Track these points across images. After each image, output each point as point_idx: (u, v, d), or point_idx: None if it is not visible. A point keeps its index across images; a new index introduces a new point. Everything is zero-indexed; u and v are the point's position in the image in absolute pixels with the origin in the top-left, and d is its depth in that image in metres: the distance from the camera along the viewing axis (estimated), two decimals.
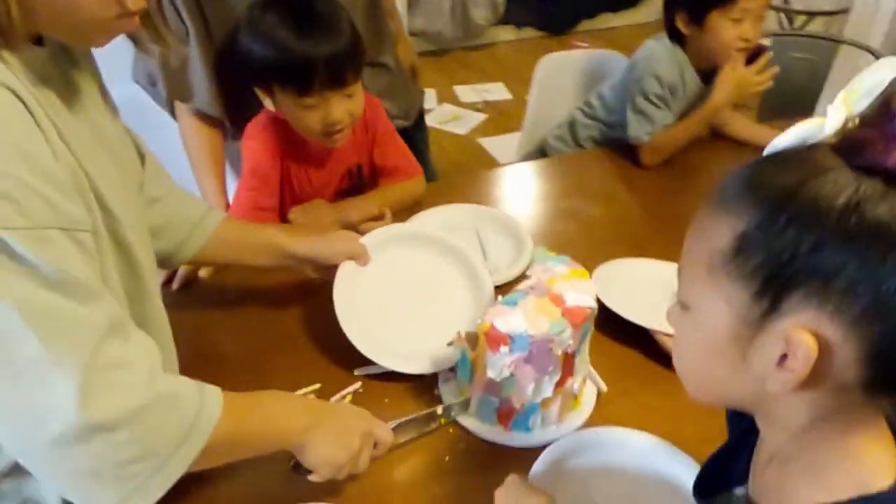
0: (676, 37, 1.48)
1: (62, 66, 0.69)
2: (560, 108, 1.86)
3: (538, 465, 0.82)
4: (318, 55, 1.05)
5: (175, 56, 0.70)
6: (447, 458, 0.88)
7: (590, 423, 0.92)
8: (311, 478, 0.77)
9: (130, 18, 0.63)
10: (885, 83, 0.45)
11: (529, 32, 4.47)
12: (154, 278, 0.78)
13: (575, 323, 0.83)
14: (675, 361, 0.58)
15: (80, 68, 0.72)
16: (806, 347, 0.44)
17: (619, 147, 1.56)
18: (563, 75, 1.89)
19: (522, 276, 1.13)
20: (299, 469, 0.78)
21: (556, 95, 1.88)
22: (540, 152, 1.78)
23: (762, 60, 1.42)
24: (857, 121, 0.47)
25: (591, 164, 1.57)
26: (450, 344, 0.92)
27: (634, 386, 0.97)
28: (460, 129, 3.39)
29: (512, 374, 0.84)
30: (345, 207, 1.24)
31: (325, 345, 1.02)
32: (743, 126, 1.58)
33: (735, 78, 1.41)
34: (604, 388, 0.95)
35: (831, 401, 0.48)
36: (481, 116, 3.53)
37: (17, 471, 0.72)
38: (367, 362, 0.95)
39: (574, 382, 0.89)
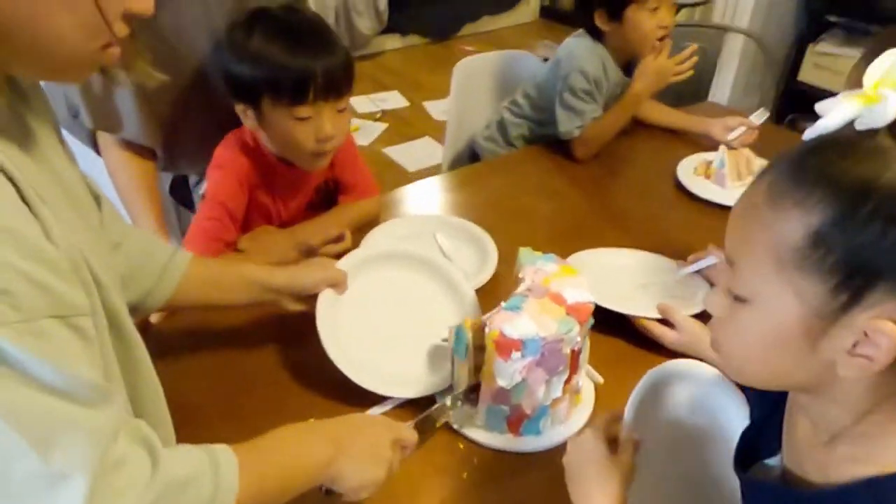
0: (595, 34, 1.53)
1: (17, 109, 0.60)
2: (479, 109, 1.89)
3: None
4: (316, 66, 1.04)
5: (151, 82, 0.64)
6: (465, 474, 0.86)
7: (593, 416, 0.93)
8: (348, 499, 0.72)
9: (115, 48, 0.56)
10: None
11: (415, 39, 4.50)
12: (139, 340, 0.70)
13: (581, 320, 0.83)
14: (724, 349, 0.59)
15: (33, 109, 0.63)
16: (891, 338, 0.46)
17: (552, 143, 1.60)
18: (478, 78, 1.90)
19: (493, 279, 1.14)
20: (331, 493, 0.72)
21: (474, 97, 1.89)
22: (471, 154, 1.78)
23: (686, 52, 1.49)
24: None
25: (528, 162, 1.59)
26: (445, 340, 0.91)
27: (626, 373, 0.97)
28: (363, 141, 3.34)
29: (524, 380, 0.83)
30: (302, 232, 1.19)
31: (311, 377, 0.96)
32: (661, 113, 1.66)
33: (655, 67, 1.47)
34: (600, 380, 0.96)
35: (885, 364, 0.50)
36: (381, 126, 3.51)
37: None
38: (359, 390, 0.91)
39: (578, 379, 0.90)
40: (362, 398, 0.91)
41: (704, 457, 0.78)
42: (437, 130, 3.44)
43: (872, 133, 0.49)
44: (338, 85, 1.09)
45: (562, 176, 1.51)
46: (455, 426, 0.89)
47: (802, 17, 3.08)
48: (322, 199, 1.31)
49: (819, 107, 0.54)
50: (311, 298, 0.95)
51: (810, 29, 3.06)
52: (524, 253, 0.94)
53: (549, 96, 1.58)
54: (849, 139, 0.49)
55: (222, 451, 0.61)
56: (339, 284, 0.97)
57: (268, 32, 1.07)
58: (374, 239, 1.21)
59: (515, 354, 0.81)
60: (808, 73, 3.06)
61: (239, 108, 1.12)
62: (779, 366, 0.54)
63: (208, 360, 1.00)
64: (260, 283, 0.93)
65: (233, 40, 1.08)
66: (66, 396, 0.50)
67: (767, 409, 0.67)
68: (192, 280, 0.87)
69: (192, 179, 1.42)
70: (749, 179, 1.45)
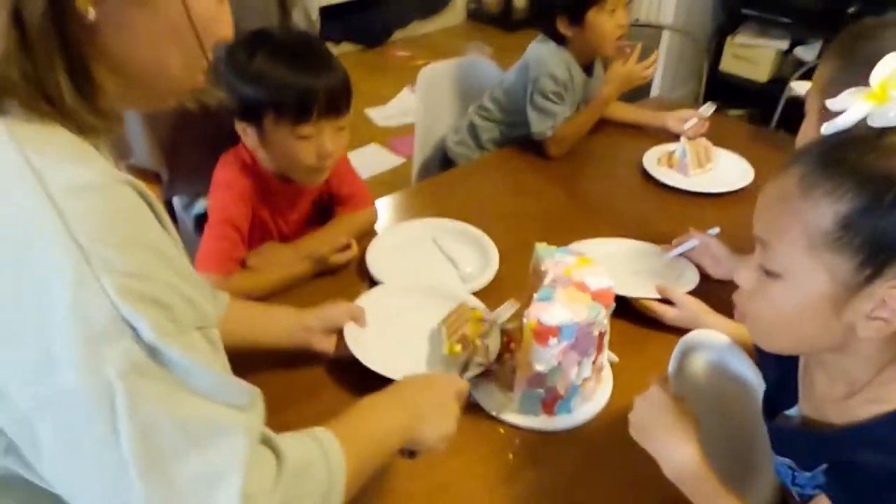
0: (557, 38, 1.62)
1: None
2: (444, 115, 1.96)
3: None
4: (318, 86, 1.08)
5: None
6: (510, 456, 0.92)
7: (614, 392, 1.01)
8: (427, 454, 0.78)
9: (203, 74, 0.61)
10: None
11: (348, 47, 4.52)
12: None
13: (606, 304, 0.92)
14: (752, 317, 0.68)
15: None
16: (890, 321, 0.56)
17: (523, 143, 1.68)
18: (439, 85, 1.97)
19: (498, 277, 1.21)
20: (413, 454, 0.78)
21: (437, 104, 1.96)
22: (442, 159, 1.84)
23: (653, 56, 1.61)
24: None
25: (503, 163, 1.67)
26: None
27: (635, 352, 1.08)
28: None
29: (559, 363, 0.91)
30: (305, 245, 1.22)
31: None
32: (622, 110, 1.78)
33: (623, 72, 1.59)
34: (616, 359, 1.05)
35: None
36: None
37: None
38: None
39: (602, 359, 0.98)
40: None
41: (729, 412, 0.87)
42: (382, 136, 3.48)
43: (888, 131, 0.58)
44: (338, 104, 1.13)
45: (538, 174, 1.60)
46: (493, 413, 0.96)
47: (720, 11, 3.30)
48: (318, 212, 1.34)
49: (830, 103, 0.64)
50: (339, 337, 1.01)
51: (728, 22, 3.28)
52: (540, 248, 1.02)
53: (517, 100, 1.66)
54: (868, 137, 0.59)
55: (323, 433, 0.64)
56: (359, 318, 1.03)
57: (271, 53, 1.10)
58: (379, 245, 1.26)
59: (552, 340, 0.88)
60: (728, 64, 3.28)
61: (239, 127, 1.15)
62: (805, 331, 0.64)
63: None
64: (299, 322, 0.98)
65: (235, 61, 1.10)
66: (223, 401, 0.54)
67: (782, 369, 0.77)
68: (235, 321, 0.89)
69: (182, 201, 1.43)
70: (709, 166, 1.59)
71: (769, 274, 0.63)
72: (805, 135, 0.99)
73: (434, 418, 0.77)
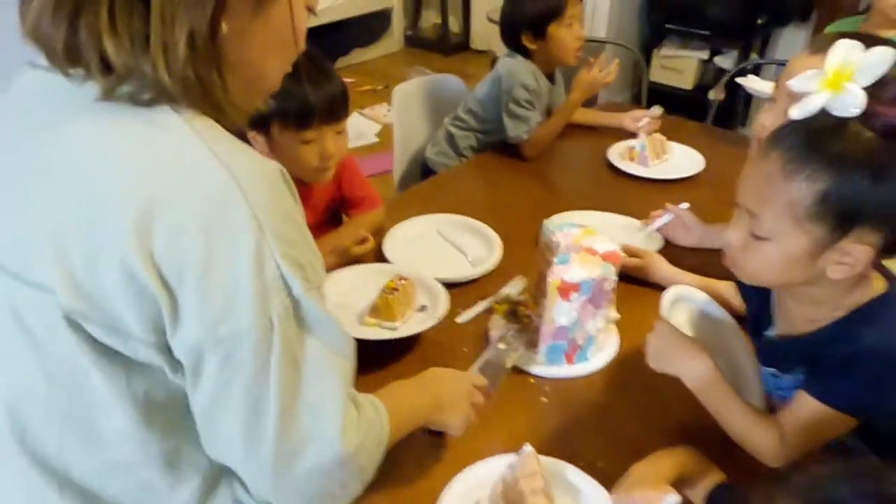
0: (522, 52, 1.82)
1: None
2: (419, 128, 2.11)
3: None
4: (319, 96, 1.20)
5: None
6: (544, 399, 1.08)
7: (621, 342, 1.18)
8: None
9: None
10: (887, 63, 0.72)
11: None
12: None
13: (614, 263, 1.09)
14: (741, 266, 0.85)
15: None
16: (866, 255, 0.75)
17: (498, 148, 1.86)
18: (413, 101, 2.13)
19: (503, 260, 1.37)
20: (434, 433, 0.93)
21: (412, 117, 2.11)
22: (423, 169, 2.00)
23: (614, 64, 1.82)
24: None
25: (484, 166, 1.84)
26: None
27: (628, 307, 1.25)
28: None
29: (577, 316, 1.07)
30: (332, 238, 1.35)
31: None
32: (584, 113, 1.98)
33: (588, 79, 1.79)
34: (617, 316, 1.22)
35: (861, 271, 0.78)
36: None
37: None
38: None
39: (611, 312, 1.15)
40: None
41: (718, 347, 1.05)
42: None
43: (849, 119, 0.73)
44: (337, 111, 1.26)
45: (517, 173, 1.78)
46: (523, 367, 1.11)
47: (646, 26, 3.61)
48: (331, 215, 1.47)
49: (792, 84, 0.80)
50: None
51: (653, 36, 3.60)
52: (548, 224, 1.17)
53: (491, 109, 1.85)
54: (836, 127, 0.74)
55: (379, 402, 0.77)
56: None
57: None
58: (392, 239, 1.41)
59: (574, 295, 1.05)
60: (657, 74, 3.59)
61: (250, 136, 1.24)
62: (785, 275, 0.82)
63: None
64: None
65: None
66: (335, 348, 0.67)
67: (759, 299, 0.96)
68: None
69: None
70: (665, 157, 1.80)
71: (757, 237, 0.80)
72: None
73: (448, 408, 0.90)
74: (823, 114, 0.75)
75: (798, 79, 0.79)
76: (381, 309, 1.15)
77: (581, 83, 1.81)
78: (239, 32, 0.63)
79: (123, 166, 0.59)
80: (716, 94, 2.59)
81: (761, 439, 0.87)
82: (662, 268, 1.29)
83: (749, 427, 0.88)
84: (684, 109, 3.59)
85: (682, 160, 1.79)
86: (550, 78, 1.88)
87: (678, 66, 3.54)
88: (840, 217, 0.74)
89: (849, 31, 1.88)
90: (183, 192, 0.59)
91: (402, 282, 1.18)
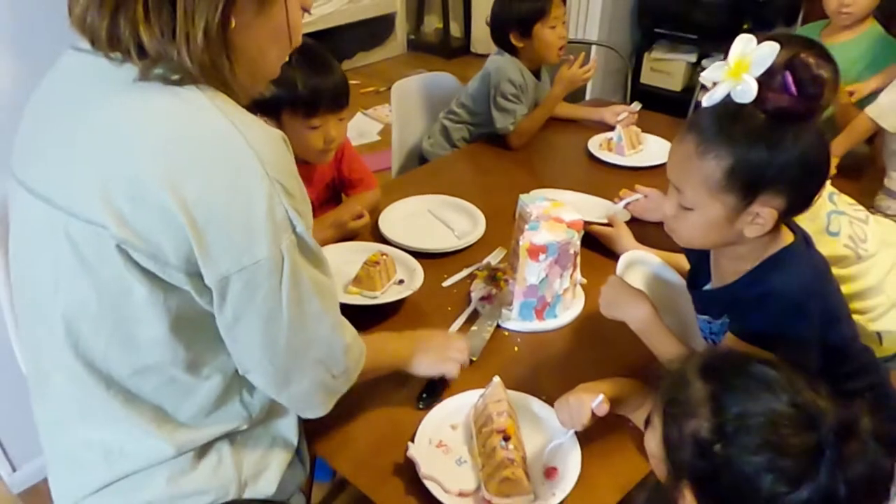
0: (510, 50, 1.98)
1: None
2: (414, 122, 2.27)
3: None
4: (325, 87, 1.37)
5: None
6: (515, 349, 1.23)
7: (586, 303, 1.34)
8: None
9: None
10: (773, 56, 0.83)
11: None
12: None
13: (578, 229, 1.24)
14: (678, 232, 1.00)
15: None
16: (771, 216, 0.90)
17: (487, 140, 2.03)
18: (410, 96, 2.29)
19: (486, 233, 1.53)
20: (429, 402, 1.09)
21: (409, 112, 2.27)
22: (420, 160, 2.16)
23: (591, 63, 1.98)
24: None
25: (475, 155, 2.00)
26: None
27: (593, 274, 1.40)
28: None
29: (546, 276, 1.23)
30: (331, 214, 1.51)
31: None
32: (567, 108, 2.14)
33: (569, 75, 1.96)
34: (584, 280, 1.37)
35: (771, 229, 0.94)
36: None
37: (268, 416, 0.93)
38: None
39: (577, 275, 1.31)
40: None
41: (666, 304, 1.20)
42: None
43: (746, 106, 0.86)
44: (339, 101, 1.42)
45: (504, 161, 1.94)
46: (499, 323, 1.27)
47: (637, 30, 3.77)
48: (331, 194, 1.64)
49: (703, 77, 0.92)
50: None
51: (644, 40, 3.76)
52: (524, 197, 1.33)
53: (481, 103, 2.01)
54: (735, 112, 0.86)
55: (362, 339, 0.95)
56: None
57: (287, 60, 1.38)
58: (387, 216, 1.57)
59: (542, 256, 1.21)
60: (648, 76, 3.75)
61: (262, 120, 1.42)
62: (711, 237, 0.98)
63: None
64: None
65: None
66: (328, 275, 0.84)
67: (699, 258, 1.11)
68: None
69: None
70: (640, 147, 1.96)
71: (684, 208, 0.96)
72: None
73: (425, 361, 1.10)
74: (727, 100, 0.88)
75: (708, 70, 0.91)
76: (363, 279, 1.30)
77: (562, 79, 1.97)
78: (245, 26, 0.75)
79: (158, 130, 0.72)
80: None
81: None
82: (627, 241, 1.45)
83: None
84: (673, 110, 3.77)
85: (655, 150, 1.94)
86: (537, 74, 2.04)
87: (667, 68, 3.70)
88: (746, 187, 0.89)
89: (812, 32, 2.06)
90: (207, 152, 0.72)
91: (384, 257, 1.34)
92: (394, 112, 2.23)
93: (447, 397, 1.10)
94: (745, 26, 3.53)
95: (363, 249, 1.41)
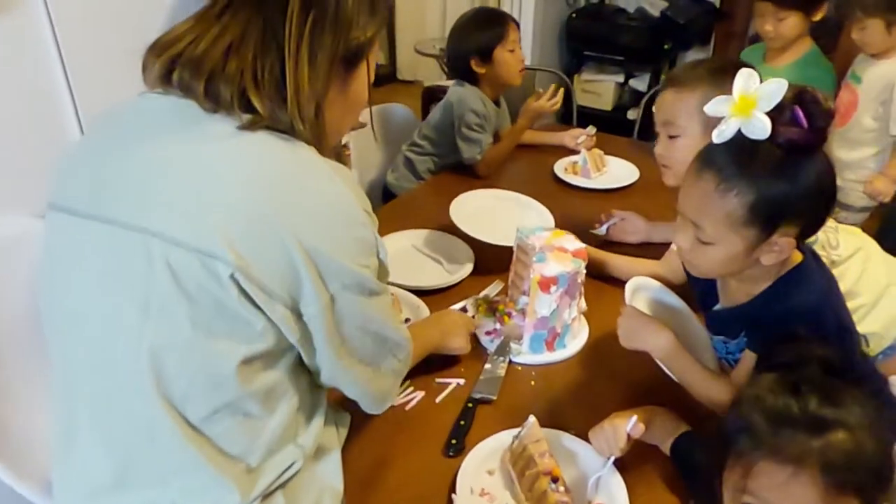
0: (470, 79, 1.99)
1: None
2: (373, 154, 2.25)
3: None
4: None
5: None
6: (532, 382, 1.22)
7: (591, 329, 1.34)
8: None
9: None
10: (782, 92, 0.87)
11: None
12: None
13: (583, 258, 1.25)
14: (693, 264, 1.02)
15: None
16: (789, 244, 0.93)
17: (453, 169, 2.03)
18: (365, 130, 2.25)
19: (476, 266, 1.52)
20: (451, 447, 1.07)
21: (366, 146, 2.24)
22: (385, 194, 2.12)
23: (560, 93, 2.01)
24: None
25: (443, 186, 1.98)
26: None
27: (595, 299, 1.41)
28: None
29: (557, 306, 1.22)
30: None
31: None
32: (530, 134, 2.16)
33: (536, 107, 1.99)
34: (585, 307, 1.38)
35: (787, 255, 0.97)
36: None
37: (316, 457, 0.92)
38: None
39: (582, 302, 1.31)
40: None
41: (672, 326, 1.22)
42: None
43: (763, 142, 0.88)
44: None
45: (474, 189, 1.92)
46: (511, 359, 1.25)
47: (566, 53, 3.89)
48: None
49: (707, 108, 0.94)
50: None
51: (573, 62, 3.88)
52: (521, 230, 1.33)
53: (446, 134, 2.01)
54: (753, 149, 0.88)
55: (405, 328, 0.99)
56: None
57: None
58: None
59: (553, 287, 1.20)
60: (579, 97, 3.85)
61: None
62: (729, 268, 1.00)
63: None
64: None
65: None
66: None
67: (707, 280, 1.13)
68: None
69: None
70: (604, 169, 2.00)
71: (703, 243, 0.97)
72: (688, 148, 1.18)
73: (452, 335, 1.23)
74: (740, 136, 0.90)
75: (712, 104, 0.93)
76: None
77: (529, 110, 2.00)
78: (332, 101, 0.85)
79: (273, 169, 0.77)
80: (635, 114, 2.85)
81: (718, 395, 1.04)
82: (615, 262, 1.47)
83: (707, 386, 1.06)
84: (607, 129, 3.91)
85: (619, 171, 2.00)
86: (496, 103, 2.06)
87: (597, 89, 3.83)
88: (768, 221, 0.92)
89: (755, 54, 2.17)
90: (320, 192, 0.79)
91: (391, 297, 1.30)
92: (351, 147, 2.19)
93: (476, 442, 1.07)
94: (666, 47, 3.72)
95: None
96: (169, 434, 0.76)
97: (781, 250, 0.94)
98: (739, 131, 0.89)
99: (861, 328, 1.35)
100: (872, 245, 1.42)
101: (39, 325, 0.86)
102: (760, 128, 0.87)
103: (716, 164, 0.93)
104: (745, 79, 0.90)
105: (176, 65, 0.78)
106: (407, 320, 1.33)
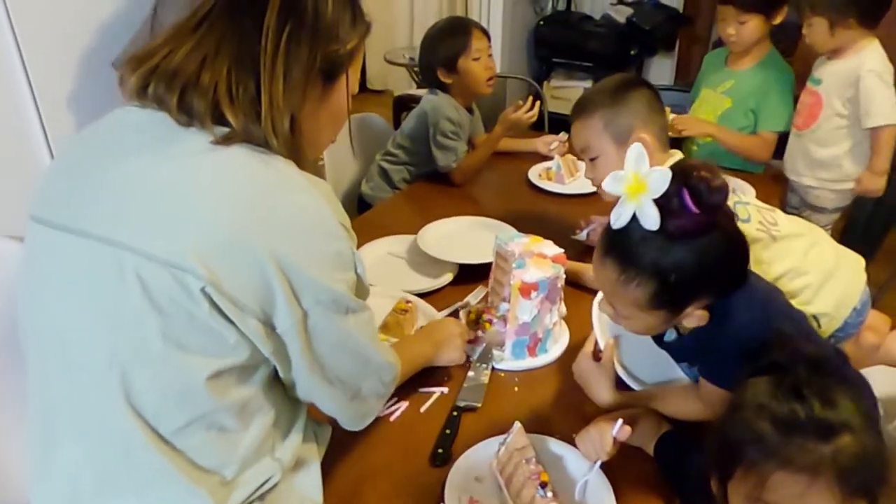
0: (440, 87, 2.00)
1: None
2: (348, 164, 2.24)
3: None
4: None
5: None
6: (515, 388, 1.22)
7: (571, 334, 1.35)
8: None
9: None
10: (666, 182, 0.82)
11: None
12: None
13: (562, 263, 1.26)
14: (626, 327, 1.01)
15: None
16: (702, 315, 0.94)
17: (428, 178, 2.02)
18: (340, 139, 2.24)
19: (454, 279, 1.52)
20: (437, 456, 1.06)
21: (340, 156, 2.23)
22: (360, 205, 2.11)
23: (537, 105, 2.01)
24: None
25: (420, 195, 1.99)
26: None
27: (576, 304, 1.42)
28: None
29: (538, 312, 1.23)
30: None
31: None
32: (504, 141, 2.17)
33: (514, 118, 1.98)
34: (565, 311, 1.39)
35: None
36: None
37: (294, 470, 0.91)
38: None
39: (562, 307, 1.32)
40: None
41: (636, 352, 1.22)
42: None
43: (657, 232, 0.84)
44: None
45: (450, 198, 1.94)
46: (494, 365, 1.25)
47: (535, 60, 3.93)
48: None
49: (605, 185, 0.90)
50: None
51: (542, 69, 3.92)
52: (501, 236, 1.33)
53: (420, 143, 2.01)
54: (647, 237, 0.86)
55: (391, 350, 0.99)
56: None
57: None
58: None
59: (534, 293, 1.21)
60: (550, 104, 3.88)
61: None
62: (656, 331, 1.03)
63: None
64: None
65: None
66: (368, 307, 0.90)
67: (659, 338, 1.14)
68: None
69: None
70: (578, 175, 2.02)
71: (623, 318, 0.98)
72: (610, 165, 1.25)
73: (446, 350, 1.21)
74: (635, 222, 0.86)
75: (608, 183, 0.89)
76: (392, 326, 1.30)
77: (506, 120, 2.01)
78: (310, 114, 0.85)
79: (246, 185, 0.76)
80: None
81: (691, 411, 1.06)
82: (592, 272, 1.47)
83: (677, 408, 1.08)
84: None
85: None
86: (469, 110, 2.07)
87: (567, 95, 3.86)
88: (674, 304, 0.93)
89: (718, 58, 2.21)
90: (294, 206, 0.78)
91: (409, 304, 1.35)
92: (325, 157, 2.18)
93: (462, 450, 1.06)
94: (633, 52, 3.78)
95: (381, 296, 1.37)
96: (142, 446, 0.76)
97: (702, 316, 0.95)
98: (634, 216, 0.87)
99: (811, 309, 1.33)
100: (820, 233, 1.42)
101: (11, 346, 0.84)
102: (650, 217, 0.84)
103: (615, 251, 0.92)
104: (634, 157, 0.86)
105: (151, 78, 0.78)
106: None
